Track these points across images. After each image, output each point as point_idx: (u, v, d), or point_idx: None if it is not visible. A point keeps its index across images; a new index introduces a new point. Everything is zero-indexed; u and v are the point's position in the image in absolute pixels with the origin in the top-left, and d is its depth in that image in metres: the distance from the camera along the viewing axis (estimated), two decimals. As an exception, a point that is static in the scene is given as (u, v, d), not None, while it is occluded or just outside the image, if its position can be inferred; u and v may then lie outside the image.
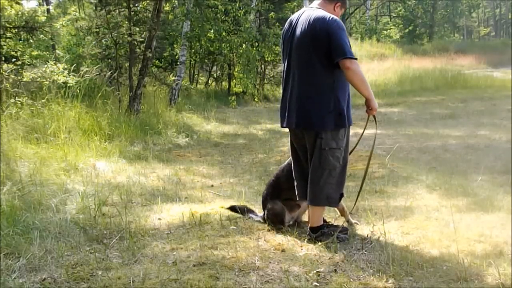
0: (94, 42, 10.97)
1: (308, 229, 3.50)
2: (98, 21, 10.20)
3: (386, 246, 3.23)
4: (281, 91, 3.61)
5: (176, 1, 14.07)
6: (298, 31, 3.30)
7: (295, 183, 3.59)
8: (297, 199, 3.63)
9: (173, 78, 12.80)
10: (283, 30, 3.52)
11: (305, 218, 3.82)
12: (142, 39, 9.82)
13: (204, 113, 11.06)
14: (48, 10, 14.95)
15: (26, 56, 8.52)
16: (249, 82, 13.15)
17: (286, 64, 3.44)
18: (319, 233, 3.44)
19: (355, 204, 3.77)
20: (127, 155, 6.45)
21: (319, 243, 3.35)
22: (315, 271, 2.90)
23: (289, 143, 3.64)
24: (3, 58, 7.77)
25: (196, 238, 3.50)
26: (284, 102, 3.47)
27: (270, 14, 16.28)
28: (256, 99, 14.24)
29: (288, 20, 3.50)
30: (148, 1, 10.24)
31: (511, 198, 4.16)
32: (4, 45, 7.61)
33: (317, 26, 3.21)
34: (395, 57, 25.31)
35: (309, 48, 3.24)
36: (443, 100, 13.56)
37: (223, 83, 16.15)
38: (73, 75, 7.79)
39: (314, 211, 3.48)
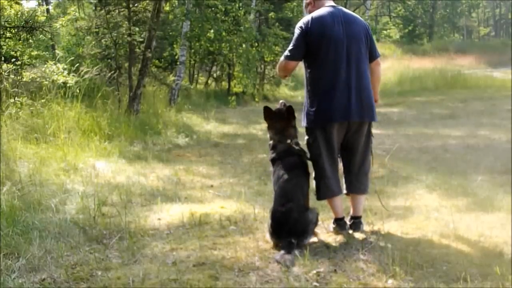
0: (93, 42, 10.96)
1: (359, 220, 3.60)
2: (98, 21, 10.18)
3: (386, 246, 3.23)
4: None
5: (176, 1, 14.06)
6: (352, 29, 3.46)
7: (329, 181, 3.51)
8: (323, 197, 3.62)
9: (173, 78, 12.80)
10: (309, 26, 3.41)
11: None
12: (142, 39, 9.82)
13: (204, 113, 11.06)
14: (47, 10, 14.96)
15: (26, 56, 8.49)
16: (249, 82, 13.15)
17: (327, 63, 3.42)
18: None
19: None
20: (127, 155, 6.45)
21: (320, 243, 3.35)
22: (315, 271, 2.90)
23: (323, 141, 3.46)
24: (3, 58, 7.75)
25: (195, 238, 3.50)
26: (340, 97, 3.40)
27: (270, 14, 16.29)
28: (256, 99, 14.25)
29: (319, 17, 3.44)
30: (148, 1, 10.23)
31: (511, 198, 4.16)
32: (4, 45, 7.59)
33: (365, 26, 3.55)
34: (395, 57, 25.30)
35: (365, 44, 3.50)
36: (443, 100, 13.56)
37: (223, 83, 16.15)
38: (73, 75, 7.78)
39: (363, 200, 3.70)
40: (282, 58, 3.57)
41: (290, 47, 3.51)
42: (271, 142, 3.60)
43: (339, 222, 3.57)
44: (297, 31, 3.48)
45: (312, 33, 3.40)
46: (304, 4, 3.70)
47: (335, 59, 3.41)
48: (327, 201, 3.65)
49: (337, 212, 3.58)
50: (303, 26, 3.44)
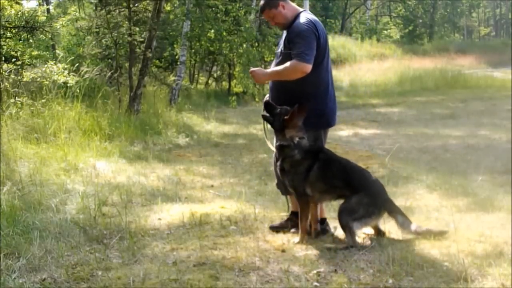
0: (94, 42, 10.97)
1: (321, 223, 3.64)
2: (98, 21, 10.20)
3: (386, 246, 3.23)
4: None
5: (176, 1, 14.07)
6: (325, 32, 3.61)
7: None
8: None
9: (173, 78, 12.80)
10: (316, 29, 3.41)
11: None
12: (142, 39, 9.82)
13: (204, 113, 11.06)
14: (48, 10, 14.94)
15: (26, 56, 8.50)
16: (250, 82, 13.15)
17: (328, 64, 3.55)
18: None
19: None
20: (127, 155, 6.45)
21: (321, 243, 3.36)
22: (315, 271, 2.90)
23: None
24: (3, 58, 7.76)
25: (196, 238, 3.50)
26: (334, 100, 3.62)
27: (271, 14, 16.27)
28: (256, 99, 14.23)
29: (316, 20, 3.49)
30: (148, 1, 10.24)
31: (511, 198, 4.16)
32: (4, 45, 7.59)
33: None
34: (395, 57, 25.22)
35: None
36: (443, 100, 13.56)
37: (223, 83, 16.14)
38: (73, 75, 7.79)
39: None
40: (297, 61, 3.33)
41: (306, 50, 3.34)
42: (292, 141, 3.38)
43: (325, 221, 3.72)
44: (309, 35, 3.38)
45: (321, 38, 3.45)
46: (264, 4, 3.55)
47: (329, 62, 3.58)
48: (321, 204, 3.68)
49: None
50: (314, 31, 3.40)
